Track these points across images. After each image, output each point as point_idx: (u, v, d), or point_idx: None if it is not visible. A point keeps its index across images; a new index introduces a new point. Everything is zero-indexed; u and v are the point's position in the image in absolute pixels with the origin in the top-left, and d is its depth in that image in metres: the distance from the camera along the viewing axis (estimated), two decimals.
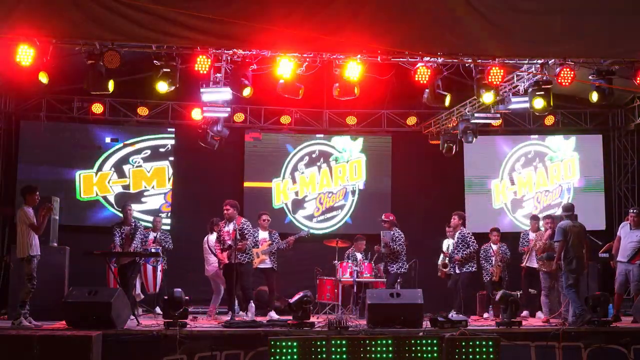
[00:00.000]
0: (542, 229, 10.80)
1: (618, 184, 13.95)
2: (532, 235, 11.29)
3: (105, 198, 13.25)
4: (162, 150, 13.56)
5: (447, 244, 11.64)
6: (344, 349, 7.13)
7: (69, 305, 8.07)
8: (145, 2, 8.04)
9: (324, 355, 7.05)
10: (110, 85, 9.08)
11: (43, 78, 8.84)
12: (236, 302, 9.87)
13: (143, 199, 13.38)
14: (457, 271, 10.95)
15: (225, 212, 9.86)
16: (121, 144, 13.39)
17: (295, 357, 7.00)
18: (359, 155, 14.16)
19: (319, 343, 7.11)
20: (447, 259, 11.43)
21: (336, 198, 14.08)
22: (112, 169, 13.34)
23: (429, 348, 7.21)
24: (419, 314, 8.44)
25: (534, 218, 11.69)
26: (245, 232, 9.79)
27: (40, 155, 12.91)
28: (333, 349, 7.09)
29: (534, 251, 10.75)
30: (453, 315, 8.85)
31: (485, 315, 11.18)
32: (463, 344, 7.21)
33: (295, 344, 7.04)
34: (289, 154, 13.98)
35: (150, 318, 9.80)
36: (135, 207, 12.70)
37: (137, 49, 8.99)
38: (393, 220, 11.14)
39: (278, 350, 7.00)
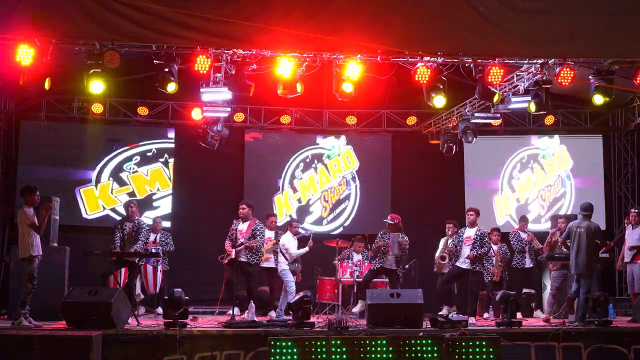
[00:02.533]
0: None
1: (618, 184, 13.94)
2: (523, 235, 11.33)
3: (114, 210, 13.19)
4: (148, 154, 13.53)
5: (447, 239, 11.43)
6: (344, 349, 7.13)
7: (69, 305, 8.07)
8: (145, 2, 8.04)
9: (324, 356, 7.05)
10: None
11: (47, 84, 8.87)
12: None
13: (155, 204, 13.40)
14: (466, 267, 10.68)
15: (240, 211, 9.95)
16: (116, 152, 13.38)
17: (295, 357, 6.99)
18: (346, 147, 14.27)
19: (319, 343, 7.11)
20: (447, 253, 11.12)
21: (340, 190, 14.13)
22: (110, 178, 13.31)
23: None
24: (419, 314, 8.44)
25: (522, 219, 11.74)
26: (257, 232, 10.00)
27: (40, 155, 12.92)
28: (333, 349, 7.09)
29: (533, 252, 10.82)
30: (453, 315, 8.83)
31: (485, 315, 11.17)
32: (463, 344, 7.20)
33: (295, 344, 7.04)
34: (285, 165, 14.00)
35: (150, 318, 9.80)
36: (151, 214, 12.82)
37: (137, 49, 8.99)
38: (399, 224, 10.71)
39: (278, 350, 6.99)
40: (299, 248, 10.90)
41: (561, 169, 14.23)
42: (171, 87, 9.26)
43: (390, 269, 10.58)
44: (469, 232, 10.40)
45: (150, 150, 13.55)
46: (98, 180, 13.24)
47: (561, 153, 14.27)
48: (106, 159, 13.33)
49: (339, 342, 7.13)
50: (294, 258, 10.68)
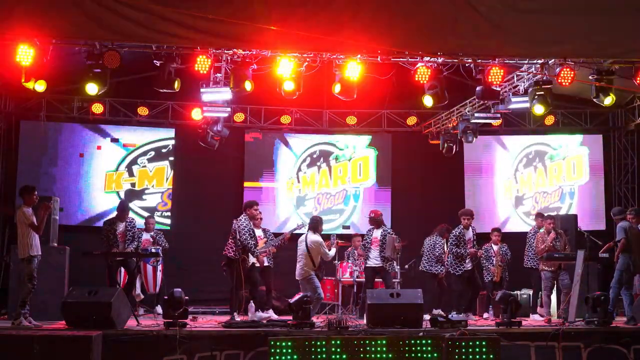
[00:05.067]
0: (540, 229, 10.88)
1: (618, 184, 13.94)
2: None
3: (117, 193, 13.41)
4: (164, 150, 13.60)
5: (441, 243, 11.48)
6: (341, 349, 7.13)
7: (69, 305, 8.07)
8: (145, 2, 8.03)
9: (324, 356, 7.05)
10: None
11: (40, 86, 8.87)
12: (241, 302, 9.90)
13: (144, 196, 13.49)
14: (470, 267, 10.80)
15: (258, 212, 10.06)
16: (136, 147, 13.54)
17: (295, 357, 7.00)
18: (365, 151, 14.04)
19: (318, 343, 7.11)
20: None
21: (335, 200, 13.97)
22: (126, 169, 13.51)
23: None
24: (419, 314, 8.44)
25: (539, 215, 11.62)
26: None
27: (40, 155, 12.92)
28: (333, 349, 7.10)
29: (536, 252, 10.77)
30: (453, 315, 8.84)
31: (485, 315, 11.17)
32: (463, 344, 7.21)
33: (295, 344, 7.04)
34: (294, 157, 13.97)
35: (150, 318, 9.80)
36: (138, 203, 13.10)
37: (137, 49, 8.99)
38: (377, 218, 10.85)
39: (278, 350, 6.99)
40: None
41: (567, 181, 13.97)
42: (175, 85, 9.31)
43: (377, 266, 10.61)
44: (469, 234, 10.58)
45: (166, 147, 13.61)
46: (117, 169, 13.45)
47: (576, 160, 14.00)
48: (128, 151, 13.52)
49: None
50: (319, 263, 10.39)
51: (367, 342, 7.19)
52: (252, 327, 8.31)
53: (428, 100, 9.86)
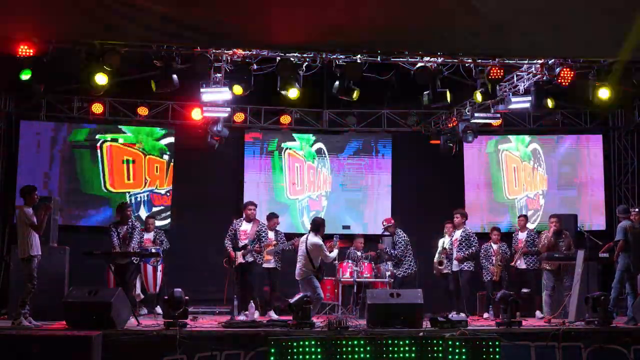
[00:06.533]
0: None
1: (618, 184, 13.94)
2: (521, 235, 11.33)
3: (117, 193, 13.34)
4: (163, 150, 13.58)
5: (444, 241, 11.54)
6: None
7: (69, 305, 8.07)
8: (145, 2, 8.03)
9: (324, 356, 7.06)
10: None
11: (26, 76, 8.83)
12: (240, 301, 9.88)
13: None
14: (455, 269, 10.89)
15: (252, 212, 10.15)
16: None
17: (295, 357, 7.00)
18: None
19: (319, 343, 7.12)
20: (444, 257, 11.32)
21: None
22: (126, 169, 13.41)
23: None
24: (419, 314, 8.44)
25: (522, 217, 11.73)
26: (262, 234, 10.23)
27: (40, 156, 12.92)
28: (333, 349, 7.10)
29: (539, 250, 10.80)
30: (453, 315, 8.84)
31: (485, 315, 11.18)
32: (463, 344, 7.21)
33: (295, 344, 7.05)
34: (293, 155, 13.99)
35: (150, 318, 9.80)
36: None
37: (137, 49, 8.99)
38: (393, 225, 11.24)
39: (278, 350, 7.00)
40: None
41: (566, 181, 13.95)
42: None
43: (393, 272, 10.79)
44: (456, 235, 10.60)
45: (166, 147, 13.57)
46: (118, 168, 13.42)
47: (576, 159, 13.93)
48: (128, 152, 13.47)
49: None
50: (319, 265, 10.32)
51: (368, 341, 7.20)
52: (252, 327, 8.31)
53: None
